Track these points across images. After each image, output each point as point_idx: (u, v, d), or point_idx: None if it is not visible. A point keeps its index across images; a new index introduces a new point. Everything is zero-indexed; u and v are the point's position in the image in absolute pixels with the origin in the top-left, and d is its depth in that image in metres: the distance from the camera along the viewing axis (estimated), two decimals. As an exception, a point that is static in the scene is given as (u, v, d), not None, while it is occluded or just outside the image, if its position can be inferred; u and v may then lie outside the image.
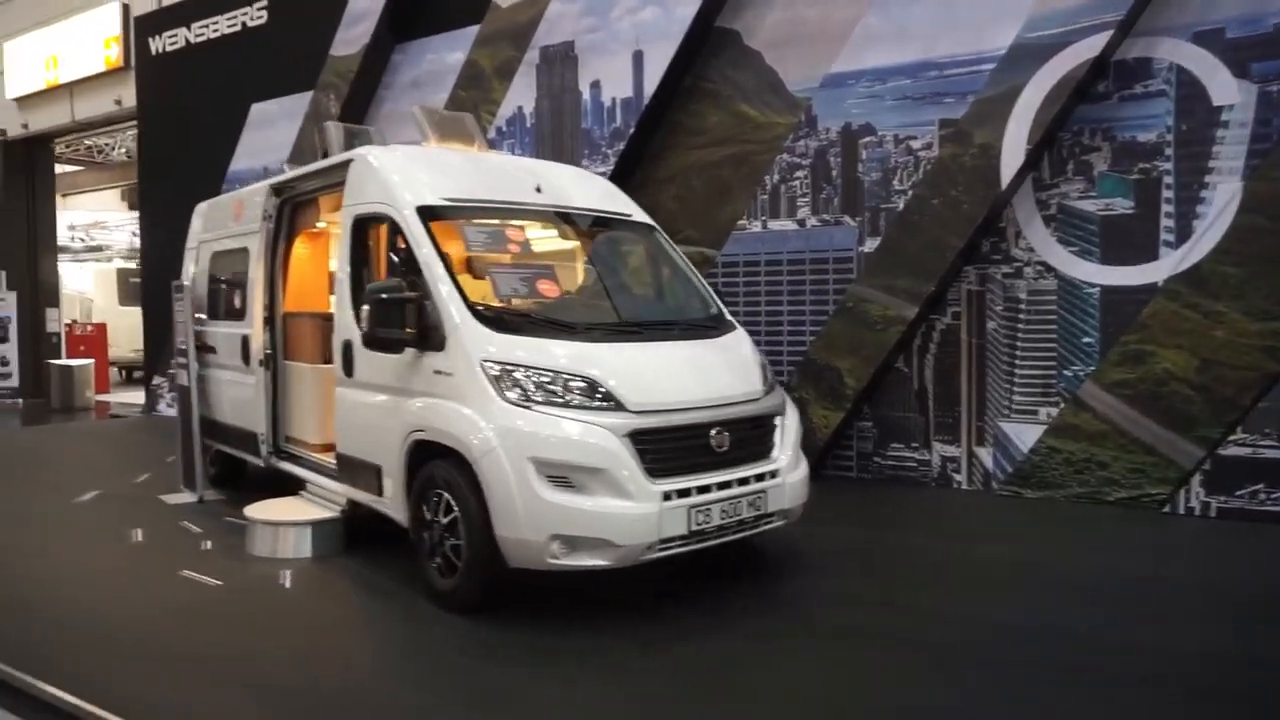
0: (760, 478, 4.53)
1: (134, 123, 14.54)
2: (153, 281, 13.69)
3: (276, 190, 6.32)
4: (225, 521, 6.33)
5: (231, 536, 5.90)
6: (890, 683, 3.64)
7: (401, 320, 4.52)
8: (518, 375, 4.21)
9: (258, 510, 5.74)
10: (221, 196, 7.72)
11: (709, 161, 8.37)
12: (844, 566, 5.23)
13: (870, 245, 7.46)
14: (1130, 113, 6.54)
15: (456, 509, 4.33)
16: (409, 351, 4.62)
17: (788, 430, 4.83)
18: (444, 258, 4.64)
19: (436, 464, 4.49)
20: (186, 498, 7.17)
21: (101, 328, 18.36)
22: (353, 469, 5.25)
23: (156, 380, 13.49)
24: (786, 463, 4.70)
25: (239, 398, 6.62)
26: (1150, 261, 6.48)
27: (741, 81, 8.22)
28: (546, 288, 4.85)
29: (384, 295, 4.50)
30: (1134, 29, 6.46)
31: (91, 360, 15.84)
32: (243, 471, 7.45)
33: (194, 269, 7.73)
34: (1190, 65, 6.31)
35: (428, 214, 4.85)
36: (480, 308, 4.47)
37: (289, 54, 11.49)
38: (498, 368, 4.24)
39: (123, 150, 22.99)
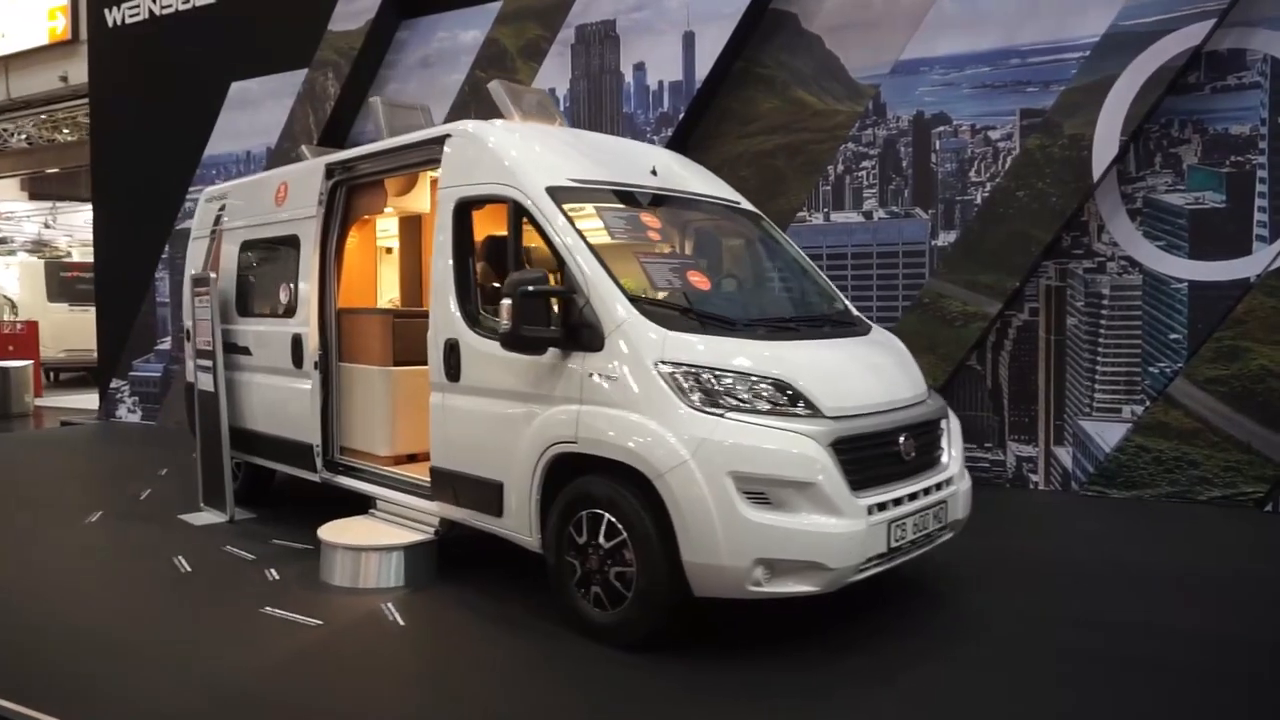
0: (939, 487, 4.16)
1: (75, 102, 13.31)
2: (109, 275, 12.53)
3: (328, 172, 5.63)
4: (275, 545, 5.61)
5: (293, 563, 5.21)
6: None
7: (547, 317, 3.97)
8: (703, 378, 3.71)
9: (333, 533, 5.06)
10: (253, 178, 6.89)
11: (761, 150, 7.98)
12: (993, 578, 4.89)
13: (944, 239, 7.20)
14: (1223, 105, 6.43)
15: (624, 532, 3.81)
16: (551, 353, 4.07)
17: (954, 435, 4.47)
18: (591, 246, 4.11)
19: (591, 480, 3.95)
20: (213, 517, 6.38)
21: (33, 326, 16.86)
22: (456, 486, 4.65)
23: (116, 384, 12.32)
24: (957, 470, 4.35)
25: (284, 405, 5.89)
26: (1242, 256, 6.39)
27: (798, 67, 7.85)
28: (698, 280, 4.36)
29: (530, 288, 3.93)
30: (1227, 20, 6.35)
31: (30, 362, 14.44)
32: (266, 488, 6.73)
33: (208, 259, 6.94)
34: (1288, 57, 6.24)
35: (559, 197, 4.31)
36: (645, 302, 3.96)
37: (275, 29, 10.60)
38: (678, 370, 3.73)
39: (23, 137, 20.99)
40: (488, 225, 4.78)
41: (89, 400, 13.62)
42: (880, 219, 7.46)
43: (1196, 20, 6.21)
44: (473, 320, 4.56)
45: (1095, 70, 6.53)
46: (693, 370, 3.73)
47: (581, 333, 3.97)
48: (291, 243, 5.85)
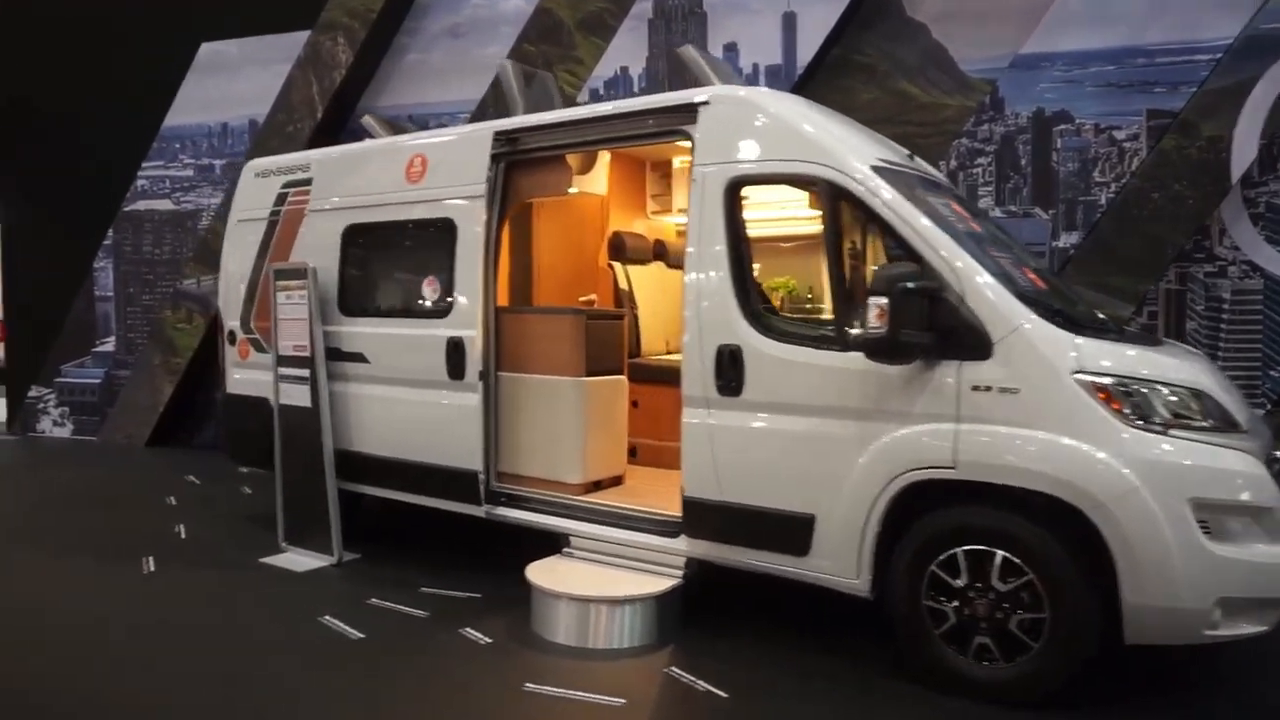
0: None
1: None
2: (16, 264, 10.54)
3: (497, 142, 4.70)
4: (428, 594, 4.64)
5: (480, 618, 4.29)
6: None
7: (921, 319, 3.33)
8: (1133, 390, 3.20)
9: (548, 579, 4.19)
10: (354, 148, 5.71)
11: (858, 143, 7.54)
12: None
13: (1065, 240, 7.02)
14: (1348, 112, 6.57)
15: (1030, 571, 3.24)
16: (914, 362, 3.44)
17: None
18: (956, 236, 3.51)
19: (971, 511, 3.37)
20: (310, 560, 5.25)
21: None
22: (728, 521, 3.91)
23: (35, 392, 10.37)
24: None
25: (430, 423, 4.88)
26: (1364, 262, 6.55)
27: (902, 56, 7.47)
28: (1033, 276, 3.84)
29: (910, 285, 3.28)
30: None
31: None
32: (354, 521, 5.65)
33: (268, 247, 5.77)
34: None
35: (886, 179, 3.68)
36: (1038, 302, 3.41)
37: (261, -16, 9.20)
38: (1106, 381, 3.21)
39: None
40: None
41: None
42: (997, 218, 7.20)
43: (1337, 28, 6.31)
44: (759, 322, 3.85)
45: (1233, 72, 6.51)
46: (1123, 381, 3.21)
47: (959, 337, 3.37)
48: (440, 228, 4.85)
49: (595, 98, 8.07)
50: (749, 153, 3.92)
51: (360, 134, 8.81)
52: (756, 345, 3.82)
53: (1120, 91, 6.88)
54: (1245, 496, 3.11)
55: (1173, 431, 3.16)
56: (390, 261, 5.31)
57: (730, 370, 3.87)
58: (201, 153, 9.70)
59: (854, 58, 7.57)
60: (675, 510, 4.23)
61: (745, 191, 3.96)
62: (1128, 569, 3.09)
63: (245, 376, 6.09)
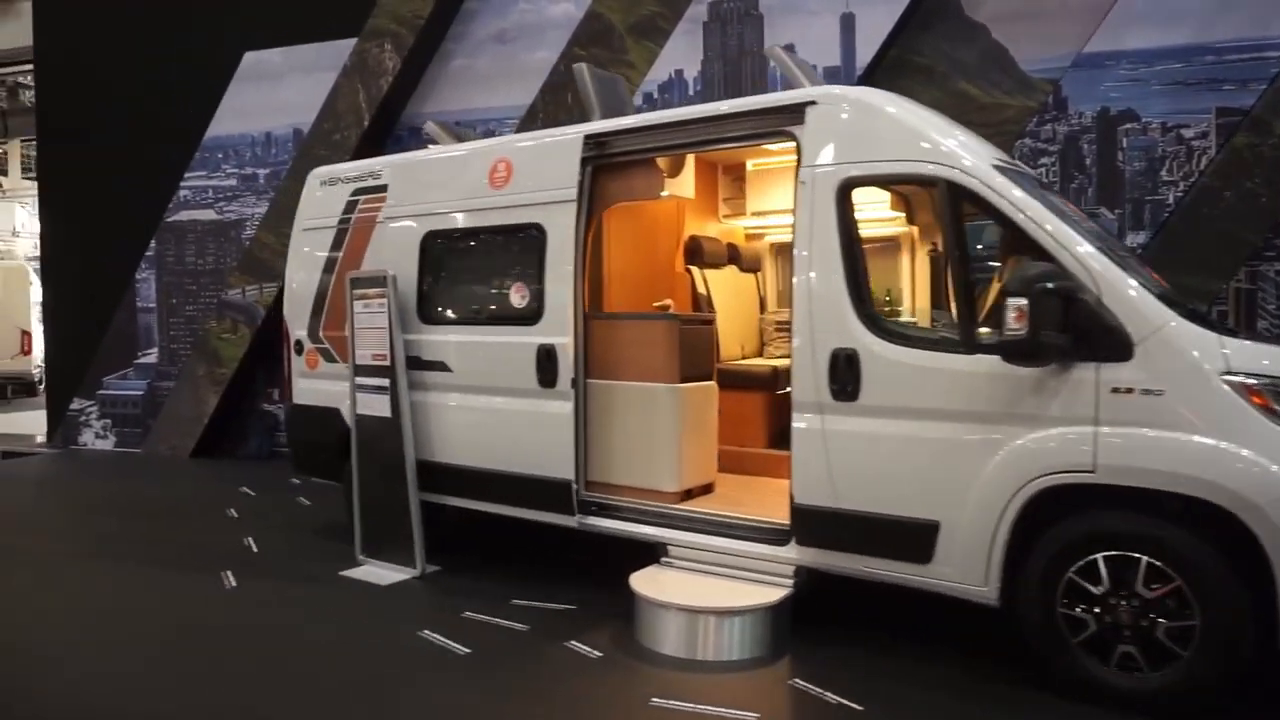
0: None
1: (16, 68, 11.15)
2: (61, 274, 10.53)
3: (588, 146, 4.64)
4: (520, 607, 4.55)
5: (581, 631, 4.20)
6: None
7: (1061, 320, 3.26)
8: (1280, 392, 3.14)
9: (654, 588, 4.11)
10: (430, 154, 5.61)
11: (917, 144, 7.48)
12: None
13: (1132, 239, 6.94)
14: None
15: (1178, 577, 3.17)
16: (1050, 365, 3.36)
17: None
18: (1085, 235, 3.45)
19: (1112, 516, 3.29)
20: (392, 573, 5.17)
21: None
22: (843, 528, 3.83)
23: (78, 404, 10.33)
24: None
25: (519, 432, 4.81)
26: None
27: (961, 57, 7.40)
28: (1157, 276, 3.77)
29: (1050, 285, 3.21)
30: None
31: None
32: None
33: (338, 256, 5.72)
34: None
35: (1009, 179, 3.62)
36: (1175, 301, 3.34)
37: (305, -8, 9.18)
38: (1257, 383, 3.13)
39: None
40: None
41: (29, 422, 11.38)
42: (1061, 218, 7.13)
43: None
44: (876, 325, 3.78)
45: (1307, 69, 6.45)
46: (1275, 383, 3.14)
47: (1096, 338, 3.30)
48: (528, 233, 4.79)
49: (649, 102, 8.02)
50: (862, 154, 3.85)
51: (413, 141, 8.85)
52: (873, 349, 3.75)
53: (1188, 90, 6.81)
54: (1400, 499, 3.03)
55: (1320, 432, 3.09)
56: (473, 268, 5.24)
57: (846, 374, 3.80)
58: (245, 162, 9.67)
59: (912, 59, 7.51)
60: (778, 517, 4.17)
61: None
62: (1288, 575, 3.01)
63: (314, 386, 6.02)
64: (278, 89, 9.39)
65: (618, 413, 4.71)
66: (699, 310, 5.65)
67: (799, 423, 3.97)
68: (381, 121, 8.94)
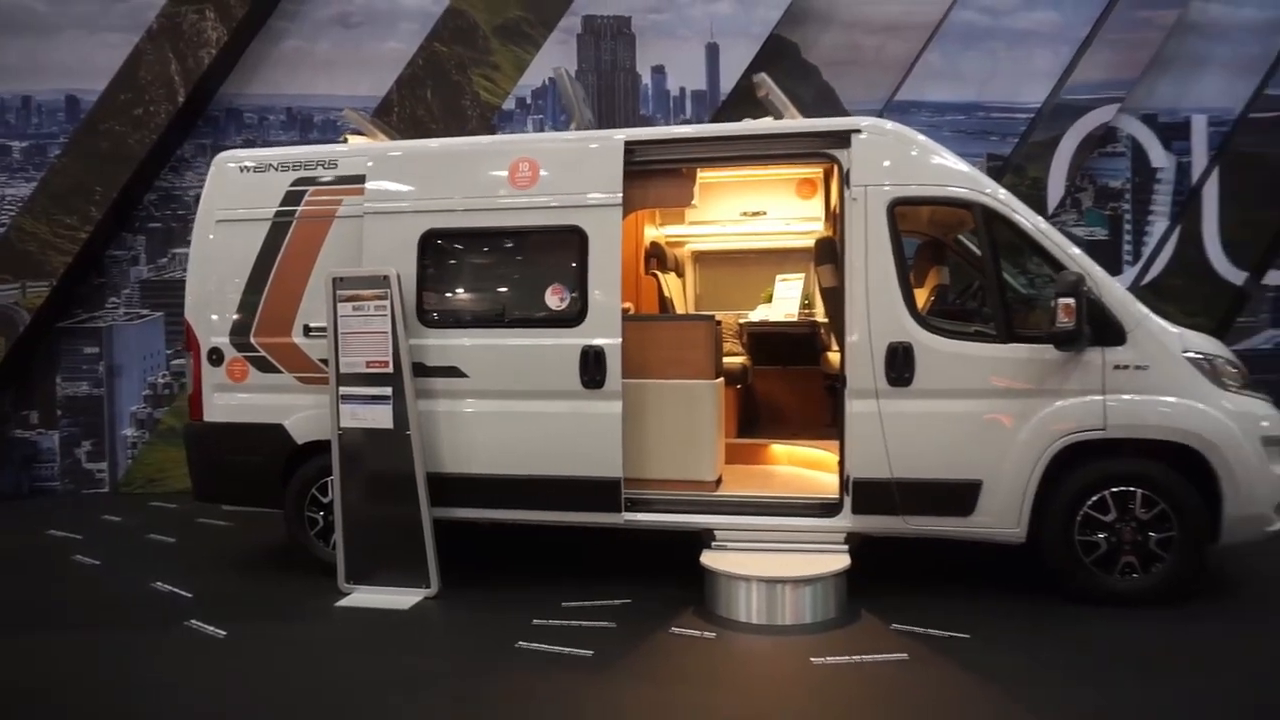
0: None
1: None
2: None
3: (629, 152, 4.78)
4: (583, 608, 4.61)
5: (669, 616, 4.42)
6: None
7: (1087, 314, 4.26)
8: (1214, 363, 4.44)
9: (729, 565, 4.45)
10: (428, 145, 5.22)
11: (764, 166, 8.50)
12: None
13: (932, 254, 8.60)
14: (1106, 165, 8.94)
15: (1163, 502, 4.33)
16: (1051, 350, 4.34)
17: None
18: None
19: (1113, 463, 4.38)
20: (400, 596, 4.79)
21: None
22: (898, 495, 4.52)
23: None
24: None
25: (562, 435, 4.76)
26: (1116, 275, 8.95)
27: (799, 93, 8.53)
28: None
29: (1086, 288, 4.19)
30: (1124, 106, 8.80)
31: None
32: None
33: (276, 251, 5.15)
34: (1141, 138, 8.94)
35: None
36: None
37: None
38: (1201, 358, 4.40)
39: None
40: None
41: None
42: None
43: (1107, 103, 8.59)
44: (926, 322, 4.53)
45: (1047, 129, 8.54)
46: (1208, 357, 4.44)
47: (1104, 328, 4.36)
48: (565, 235, 4.77)
49: (523, 107, 8.06)
50: (908, 177, 4.59)
51: (230, 124, 7.85)
52: (925, 342, 4.49)
53: (969, 137, 8.62)
54: (1280, 431, 4.51)
55: (1232, 390, 4.46)
56: (494, 269, 5.04)
57: (902, 364, 4.49)
58: (-7, 131, 7.77)
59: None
60: (820, 493, 4.79)
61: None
62: (1230, 491, 4.29)
63: (240, 401, 5.29)
64: (44, 46, 7.70)
65: (655, 410, 4.91)
66: (664, 311, 5.99)
67: (856, 407, 4.58)
68: (195, 99, 7.79)
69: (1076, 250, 4.53)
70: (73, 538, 6.30)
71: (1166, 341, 4.43)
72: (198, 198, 5.63)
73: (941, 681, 3.67)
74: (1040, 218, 4.71)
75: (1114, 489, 4.39)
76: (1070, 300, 4.18)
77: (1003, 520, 4.48)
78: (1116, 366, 4.39)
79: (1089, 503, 4.41)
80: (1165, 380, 4.38)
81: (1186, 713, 3.37)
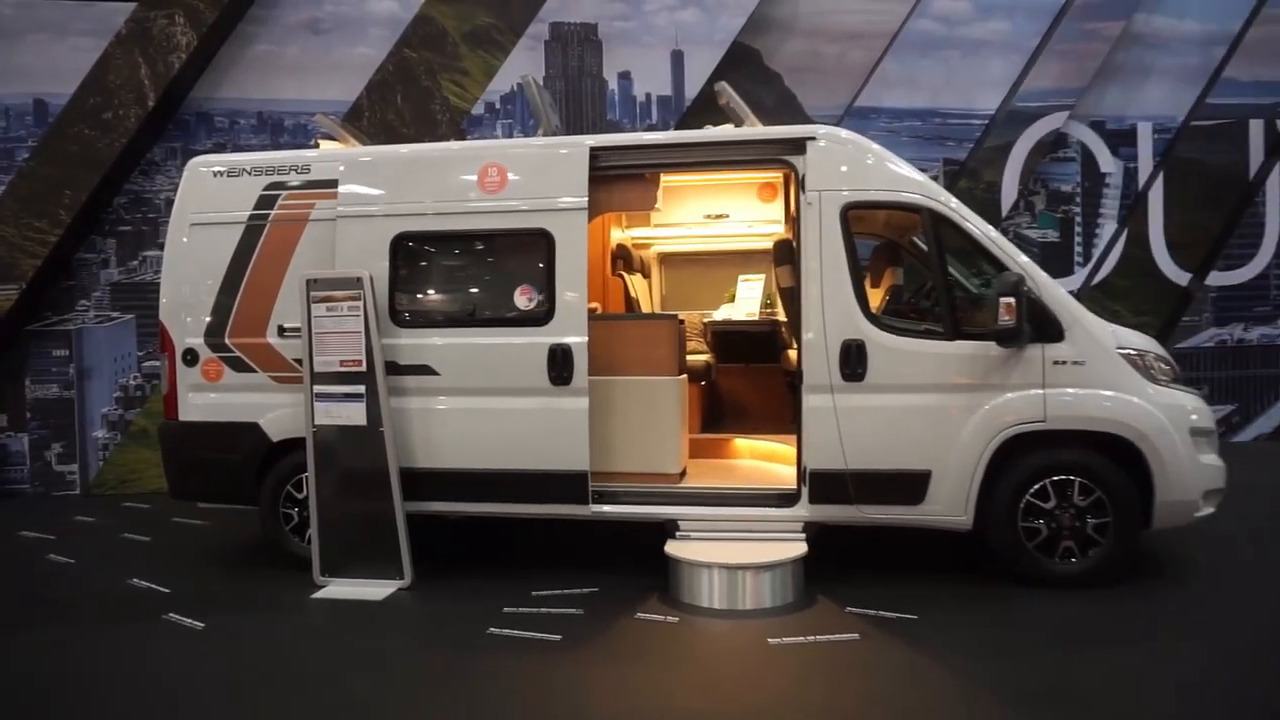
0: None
1: None
2: None
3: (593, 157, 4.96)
4: (553, 595, 4.77)
5: (634, 603, 4.60)
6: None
7: (1027, 312, 4.51)
8: (1145, 358, 4.72)
9: (691, 554, 4.65)
10: (398, 151, 5.36)
11: (729, 170, 8.73)
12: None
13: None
14: (1057, 170, 9.28)
15: (1099, 489, 4.59)
16: (995, 346, 4.59)
17: None
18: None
19: (1053, 453, 4.63)
20: (374, 588, 4.93)
21: None
22: (852, 485, 4.73)
23: None
24: None
25: (530, 430, 4.92)
26: (1066, 276, 9.29)
27: (761, 99, 8.78)
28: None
29: (1026, 288, 4.44)
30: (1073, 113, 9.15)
31: None
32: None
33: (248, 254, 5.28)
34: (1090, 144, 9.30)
35: (961, 207, 4.86)
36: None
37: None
38: (1132, 354, 4.68)
39: None
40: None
41: None
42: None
43: (1053, 111, 8.92)
44: (877, 320, 4.76)
45: (1000, 135, 8.86)
46: (1139, 353, 4.72)
47: (1042, 326, 4.62)
48: (533, 238, 4.94)
49: (491, 111, 8.21)
50: (860, 183, 4.81)
51: (200, 128, 7.93)
52: (877, 339, 4.72)
53: (926, 143, 8.93)
54: (1208, 423, 4.79)
55: (1163, 384, 4.74)
56: (464, 270, 5.20)
57: (855, 360, 4.72)
58: (-44, 134, 7.77)
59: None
60: (776, 484, 5.00)
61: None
62: (1161, 479, 4.56)
63: (216, 400, 5.39)
64: (12, 50, 7.72)
65: (620, 405, 5.10)
66: (630, 311, 6.18)
67: (812, 401, 4.79)
68: (165, 103, 7.85)
69: (1019, 253, 4.78)
70: (45, 538, 6.34)
71: (1102, 338, 4.70)
72: (168, 201, 5.74)
73: (891, 658, 3.89)
74: (986, 223, 4.96)
75: (1054, 478, 4.64)
76: (1011, 299, 4.43)
77: (951, 508, 4.72)
78: (1055, 362, 4.65)
79: (1031, 491, 4.66)
80: (1101, 375, 4.64)
81: (1120, 684, 3.61)
